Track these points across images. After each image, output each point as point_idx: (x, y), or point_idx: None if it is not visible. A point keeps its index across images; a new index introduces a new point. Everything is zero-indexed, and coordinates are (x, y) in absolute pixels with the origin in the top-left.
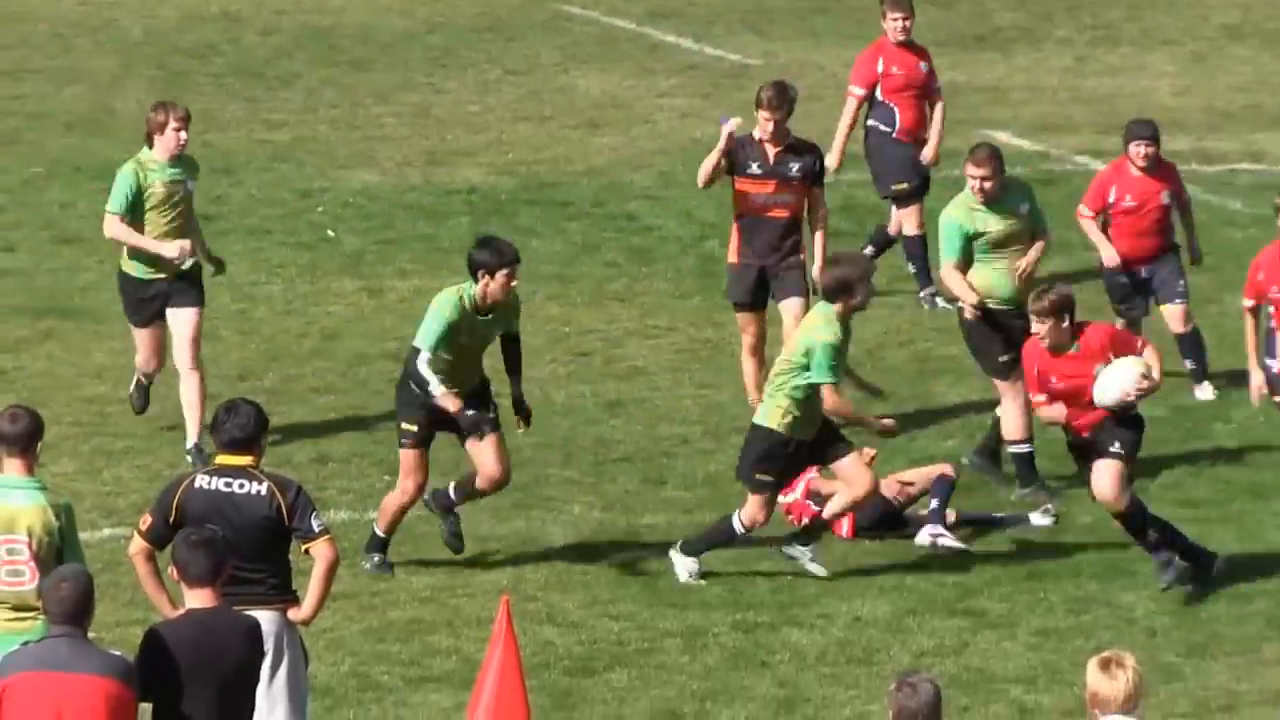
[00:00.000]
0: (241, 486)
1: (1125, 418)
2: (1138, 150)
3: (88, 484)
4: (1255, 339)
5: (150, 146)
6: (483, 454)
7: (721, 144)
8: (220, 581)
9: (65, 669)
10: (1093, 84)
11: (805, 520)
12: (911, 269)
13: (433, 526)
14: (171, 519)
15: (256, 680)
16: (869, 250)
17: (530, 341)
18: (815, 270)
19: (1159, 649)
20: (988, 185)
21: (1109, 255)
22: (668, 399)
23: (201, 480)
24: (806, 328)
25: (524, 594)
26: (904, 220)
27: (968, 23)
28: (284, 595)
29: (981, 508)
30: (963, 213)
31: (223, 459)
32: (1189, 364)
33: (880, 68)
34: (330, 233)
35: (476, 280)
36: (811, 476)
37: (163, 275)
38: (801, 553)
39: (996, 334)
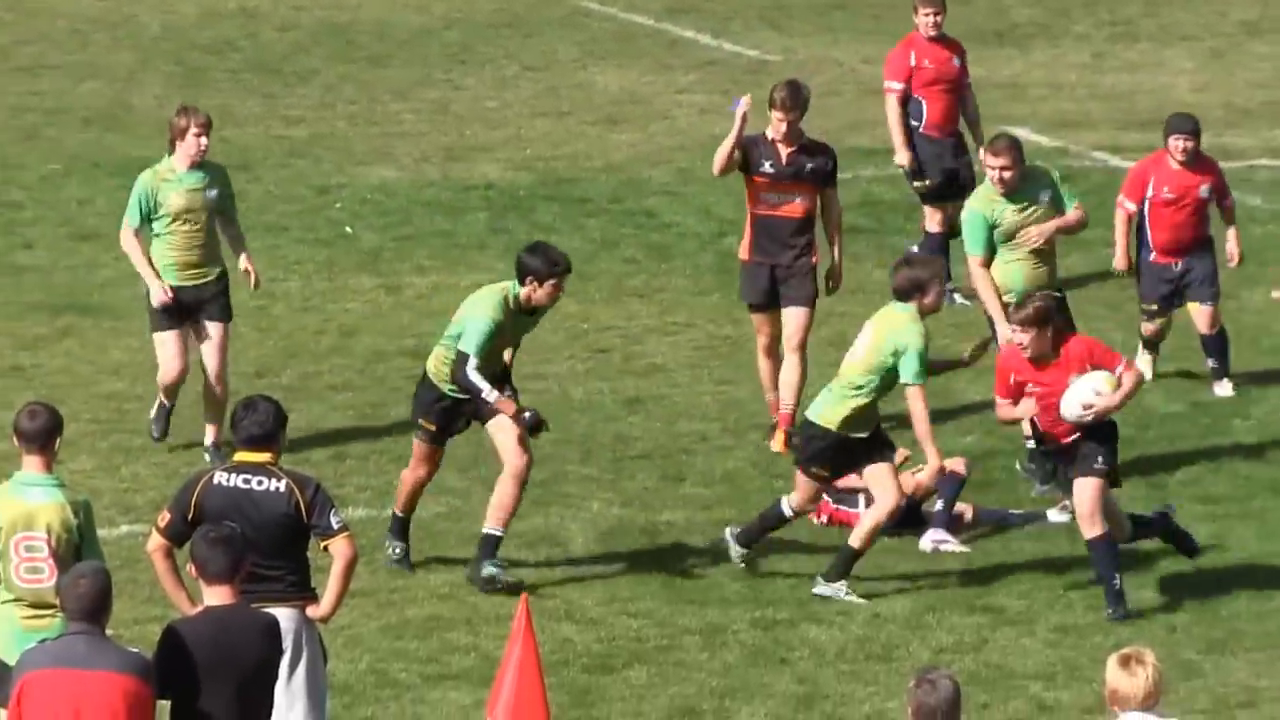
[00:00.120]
0: (260, 483)
1: (1100, 426)
2: (1177, 144)
3: (106, 481)
4: None
5: (171, 153)
6: (506, 442)
7: (736, 126)
8: (239, 579)
9: (84, 666)
10: (1111, 80)
11: (824, 518)
12: None
13: (451, 524)
14: (190, 516)
15: (275, 678)
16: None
17: (549, 338)
18: (829, 269)
19: (1179, 645)
20: (1007, 175)
21: (1120, 258)
22: (686, 395)
23: (220, 477)
24: (891, 329)
25: (543, 591)
26: (927, 216)
27: (986, 19)
28: (303, 592)
29: (999, 504)
30: (984, 204)
31: (241, 456)
32: (1211, 362)
33: (912, 61)
34: (348, 229)
35: (523, 284)
36: None
37: (190, 283)
38: (835, 590)
39: None
